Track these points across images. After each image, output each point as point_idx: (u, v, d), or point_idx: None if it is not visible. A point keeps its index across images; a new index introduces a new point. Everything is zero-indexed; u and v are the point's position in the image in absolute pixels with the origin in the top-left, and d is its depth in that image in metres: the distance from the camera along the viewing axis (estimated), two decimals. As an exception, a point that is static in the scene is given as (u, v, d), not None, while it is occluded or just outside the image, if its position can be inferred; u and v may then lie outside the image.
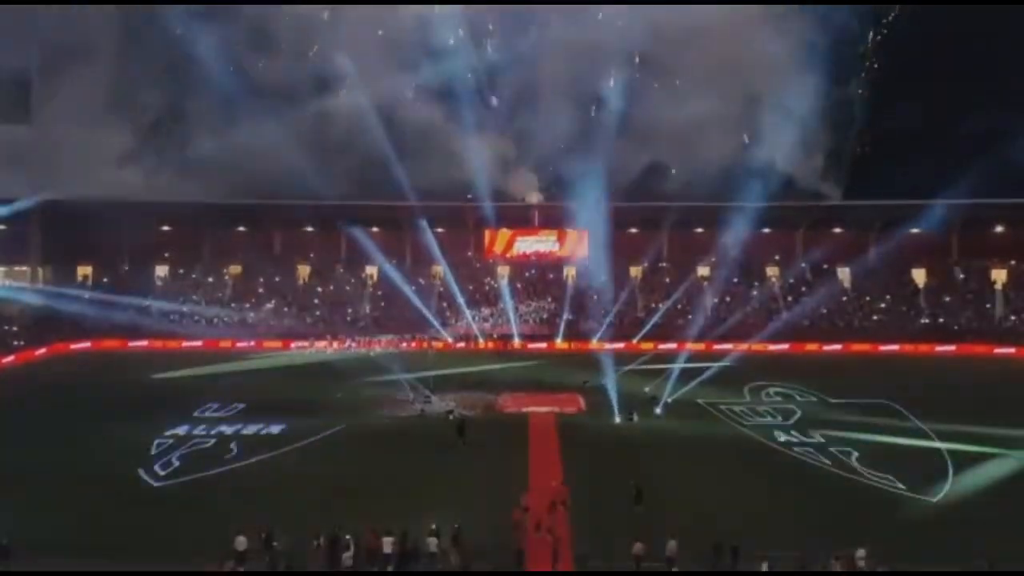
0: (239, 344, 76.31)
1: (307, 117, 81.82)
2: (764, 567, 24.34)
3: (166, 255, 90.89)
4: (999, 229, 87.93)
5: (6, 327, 74.14)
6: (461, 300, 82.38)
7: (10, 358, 66.97)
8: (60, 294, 79.78)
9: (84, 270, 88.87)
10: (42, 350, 71.05)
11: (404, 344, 75.97)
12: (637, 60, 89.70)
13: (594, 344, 77.36)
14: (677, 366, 57.58)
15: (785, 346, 76.29)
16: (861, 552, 25.08)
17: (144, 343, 75.96)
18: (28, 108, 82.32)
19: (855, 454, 38.56)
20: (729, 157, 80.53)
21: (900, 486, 33.76)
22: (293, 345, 76.46)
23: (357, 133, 79.15)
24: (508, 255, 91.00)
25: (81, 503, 31.21)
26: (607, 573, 22.56)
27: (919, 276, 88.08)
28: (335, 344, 76.07)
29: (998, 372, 66.61)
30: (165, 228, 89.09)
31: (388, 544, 25.41)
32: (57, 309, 76.86)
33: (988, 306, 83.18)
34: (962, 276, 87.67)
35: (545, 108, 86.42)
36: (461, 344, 77.43)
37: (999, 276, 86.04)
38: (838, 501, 32.26)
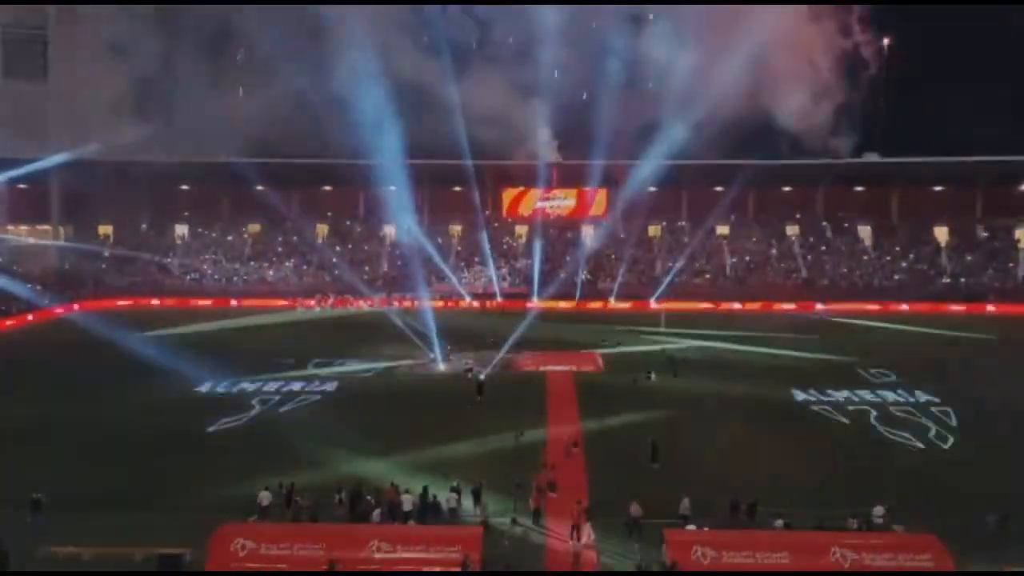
0: (245, 302, 77.77)
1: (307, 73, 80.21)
2: (779, 524, 24.53)
3: (185, 214, 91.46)
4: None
5: (30, 285, 74.96)
6: (478, 259, 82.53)
7: (32, 315, 68.00)
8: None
9: (105, 229, 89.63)
10: (63, 309, 72.04)
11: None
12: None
13: (611, 303, 77.34)
14: (695, 326, 57.61)
15: (804, 305, 75.91)
16: (879, 510, 25.20)
17: (166, 301, 76.86)
18: (46, 65, 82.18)
19: (873, 413, 38.67)
20: (736, 113, 78.31)
21: (918, 445, 33.90)
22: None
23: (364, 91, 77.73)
24: (526, 214, 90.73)
25: (107, 458, 31.86)
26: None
27: (941, 234, 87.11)
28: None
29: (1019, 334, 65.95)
30: (184, 187, 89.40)
31: (407, 502, 25.77)
32: (79, 267, 78.07)
33: (1011, 265, 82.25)
34: (985, 234, 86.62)
35: (560, 65, 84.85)
36: (476, 303, 77.56)
37: (1023, 235, 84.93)
38: (856, 459, 32.34)
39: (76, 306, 72.85)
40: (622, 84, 79.10)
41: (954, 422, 37.27)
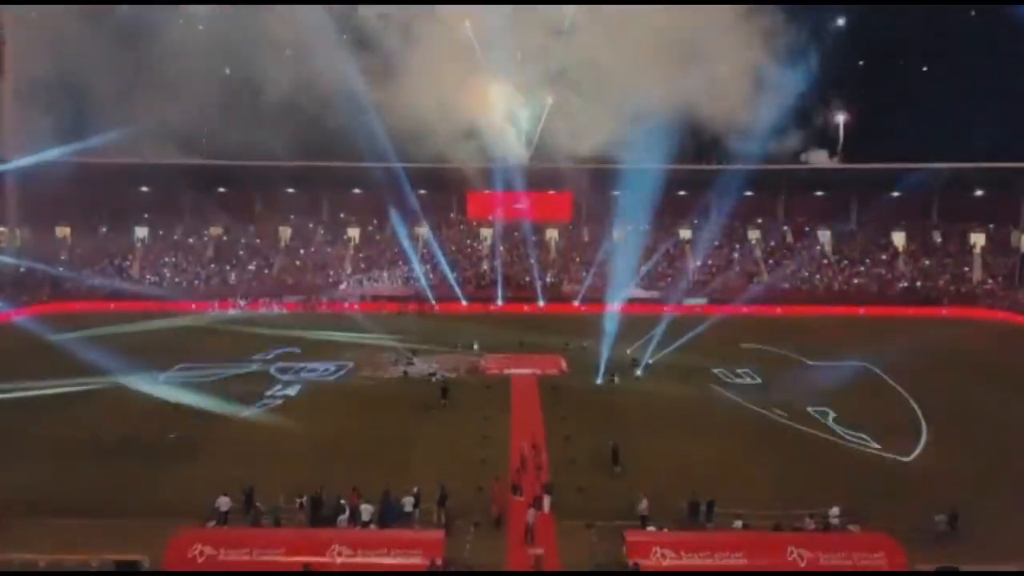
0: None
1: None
2: (738, 524, 24.87)
3: (145, 216, 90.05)
4: (979, 192, 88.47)
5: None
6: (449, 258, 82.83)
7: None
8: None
9: (63, 231, 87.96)
10: (20, 312, 70.64)
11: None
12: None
13: (576, 306, 77.64)
14: (658, 329, 57.93)
15: (765, 308, 76.78)
16: (835, 510, 25.68)
17: (126, 304, 75.48)
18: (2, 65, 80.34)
19: (831, 415, 39.27)
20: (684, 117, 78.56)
21: (875, 446, 34.49)
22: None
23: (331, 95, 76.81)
24: (491, 217, 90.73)
25: (65, 463, 31.38)
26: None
27: (898, 239, 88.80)
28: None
29: (973, 335, 67.37)
30: (144, 189, 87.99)
31: (367, 512, 25.61)
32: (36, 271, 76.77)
33: (966, 269, 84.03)
34: (941, 240, 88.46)
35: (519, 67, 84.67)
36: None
37: (978, 240, 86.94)
38: (813, 461, 32.83)
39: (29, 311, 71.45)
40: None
41: (913, 424, 38.12)
